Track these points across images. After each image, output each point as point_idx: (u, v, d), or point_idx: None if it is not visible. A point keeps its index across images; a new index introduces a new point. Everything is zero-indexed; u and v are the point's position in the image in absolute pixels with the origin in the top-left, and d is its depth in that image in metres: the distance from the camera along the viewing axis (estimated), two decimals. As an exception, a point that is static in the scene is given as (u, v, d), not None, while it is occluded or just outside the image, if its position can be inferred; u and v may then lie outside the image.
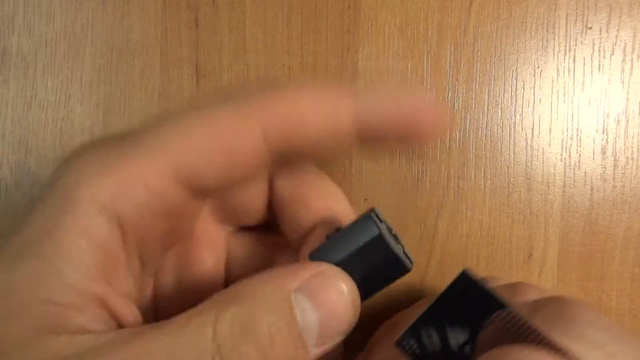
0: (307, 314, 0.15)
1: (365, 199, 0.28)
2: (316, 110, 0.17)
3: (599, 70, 0.27)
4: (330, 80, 0.28)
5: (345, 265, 0.17)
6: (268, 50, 0.28)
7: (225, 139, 0.16)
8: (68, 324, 0.15)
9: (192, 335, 0.15)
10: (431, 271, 0.28)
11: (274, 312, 0.15)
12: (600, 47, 0.27)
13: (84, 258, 0.16)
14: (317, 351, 0.16)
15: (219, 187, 0.18)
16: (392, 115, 0.17)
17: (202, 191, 0.18)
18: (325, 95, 0.17)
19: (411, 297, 0.28)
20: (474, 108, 0.28)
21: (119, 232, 0.16)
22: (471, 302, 0.16)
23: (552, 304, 0.18)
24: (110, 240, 0.16)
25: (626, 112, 0.27)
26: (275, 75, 0.28)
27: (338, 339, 0.16)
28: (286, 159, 0.18)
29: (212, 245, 0.21)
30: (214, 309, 0.15)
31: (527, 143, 0.28)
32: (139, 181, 0.16)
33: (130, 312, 0.17)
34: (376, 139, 0.18)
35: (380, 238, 0.16)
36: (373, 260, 0.17)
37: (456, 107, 0.28)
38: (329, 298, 0.16)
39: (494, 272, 0.28)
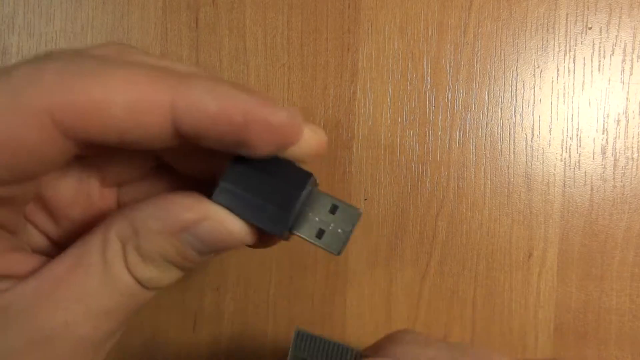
0: (194, 245, 0.16)
1: (365, 199, 0.28)
2: (121, 98, 0.14)
3: (599, 70, 0.27)
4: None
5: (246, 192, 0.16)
6: (268, 50, 0.28)
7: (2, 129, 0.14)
8: None
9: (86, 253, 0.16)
10: (431, 271, 0.28)
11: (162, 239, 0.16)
12: (600, 47, 0.27)
13: None
14: (203, 258, 0.17)
15: (15, 180, 0.15)
16: (217, 116, 0.14)
17: None
18: (138, 81, 0.14)
19: (411, 297, 0.28)
20: (474, 108, 0.28)
21: None
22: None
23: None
24: None
25: (626, 112, 0.27)
26: (274, 75, 0.28)
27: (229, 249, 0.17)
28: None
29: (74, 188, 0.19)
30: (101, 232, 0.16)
31: (527, 143, 0.28)
32: None
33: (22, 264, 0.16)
34: (198, 141, 0.15)
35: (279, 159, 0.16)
36: (276, 179, 0.16)
37: (456, 107, 0.28)
38: (218, 242, 0.16)
39: (494, 272, 0.28)
